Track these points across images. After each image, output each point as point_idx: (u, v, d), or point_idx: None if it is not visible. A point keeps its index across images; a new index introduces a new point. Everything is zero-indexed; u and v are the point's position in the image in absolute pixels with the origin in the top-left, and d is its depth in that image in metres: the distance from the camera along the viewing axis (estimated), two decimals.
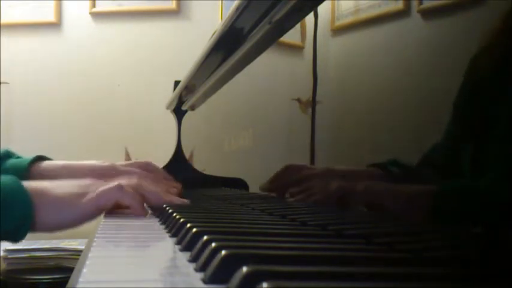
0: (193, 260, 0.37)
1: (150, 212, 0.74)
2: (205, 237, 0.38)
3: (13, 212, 0.63)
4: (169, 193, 0.80)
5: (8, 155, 0.97)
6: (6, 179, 0.65)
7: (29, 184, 0.66)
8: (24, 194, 0.64)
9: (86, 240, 0.62)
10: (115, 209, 0.71)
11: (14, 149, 0.98)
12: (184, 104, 1.68)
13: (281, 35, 0.88)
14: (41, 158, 0.96)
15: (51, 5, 2.53)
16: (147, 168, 0.92)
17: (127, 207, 0.71)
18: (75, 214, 0.67)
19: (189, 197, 0.79)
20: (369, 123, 0.65)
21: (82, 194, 0.68)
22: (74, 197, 0.68)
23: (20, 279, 2.06)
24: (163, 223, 0.61)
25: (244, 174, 1.11)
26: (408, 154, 0.56)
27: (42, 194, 0.66)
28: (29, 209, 0.64)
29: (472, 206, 0.48)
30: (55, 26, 2.55)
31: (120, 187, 0.70)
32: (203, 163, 1.46)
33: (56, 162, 0.90)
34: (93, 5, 2.53)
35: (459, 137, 0.48)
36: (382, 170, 0.60)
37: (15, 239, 0.66)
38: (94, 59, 2.54)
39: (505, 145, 0.43)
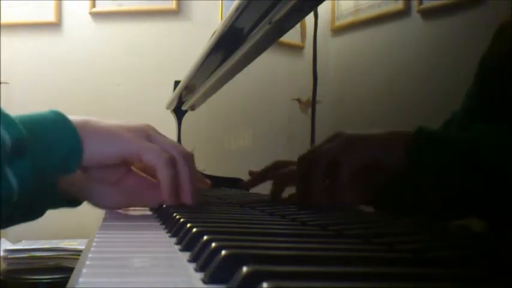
0: (193, 260, 0.37)
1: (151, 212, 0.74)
2: (205, 237, 0.38)
3: (61, 143, 0.62)
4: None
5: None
6: (46, 112, 0.65)
7: (72, 117, 0.65)
8: (68, 123, 0.64)
9: (86, 240, 0.62)
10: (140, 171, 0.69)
11: None
12: (184, 104, 1.68)
13: (281, 35, 0.88)
14: None
15: (51, 5, 2.54)
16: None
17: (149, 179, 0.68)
18: (119, 147, 0.65)
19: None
20: (369, 123, 0.65)
21: (128, 129, 0.67)
22: (118, 129, 0.66)
23: (20, 279, 2.06)
24: (163, 223, 0.61)
25: (244, 174, 1.11)
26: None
27: (85, 124, 0.65)
28: (76, 138, 0.63)
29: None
30: (55, 26, 2.55)
31: (167, 159, 0.65)
32: (203, 163, 1.46)
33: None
34: (93, 5, 2.53)
35: (477, 114, 0.47)
36: None
37: (68, 170, 0.64)
38: (94, 59, 2.54)
39: None
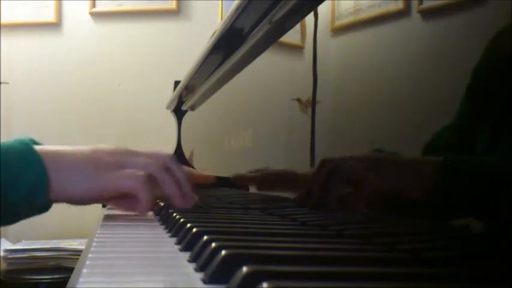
0: (193, 260, 0.37)
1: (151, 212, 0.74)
2: (205, 237, 0.38)
3: (28, 172, 0.59)
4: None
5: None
6: (11, 141, 0.61)
7: (39, 147, 0.62)
8: (34, 154, 0.60)
9: (86, 240, 0.62)
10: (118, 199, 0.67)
11: None
12: (184, 104, 1.68)
13: (281, 35, 0.88)
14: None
15: (51, 5, 2.53)
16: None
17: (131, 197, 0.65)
18: (86, 186, 0.62)
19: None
20: (369, 123, 0.65)
21: (99, 164, 0.63)
22: (88, 165, 0.63)
23: (20, 279, 2.06)
24: (163, 223, 0.61)
25: None
26: (408, 154, 0.56)
27: (54, 156, 0.62)
28: (42, 168, 0.59)
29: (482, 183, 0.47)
30: (55, 26, 2.55)
31: (145, 180, 0.62)
32: (203, 163, 1.46)
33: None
34: (93, 5, 2.53)
35: (475, 118, 0.47)
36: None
37: (36, 199, 0.61)
38: (94, 59, 2.54)
39: None
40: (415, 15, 0.57)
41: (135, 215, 0.69)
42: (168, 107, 1.83)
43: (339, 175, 0.60)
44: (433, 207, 0.52)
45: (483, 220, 0.47)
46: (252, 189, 1.07)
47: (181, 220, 0.51)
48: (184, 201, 0.66)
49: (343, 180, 0.60)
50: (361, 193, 0.58)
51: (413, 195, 0.54)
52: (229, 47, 1.04)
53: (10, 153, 0.60)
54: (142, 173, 0.63)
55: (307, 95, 0.79)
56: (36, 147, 0.62)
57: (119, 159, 0.65)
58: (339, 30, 0.74)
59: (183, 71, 1.45)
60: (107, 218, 0.67)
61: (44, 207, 0.67)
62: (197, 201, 0.69)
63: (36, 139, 0.68)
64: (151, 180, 0.64)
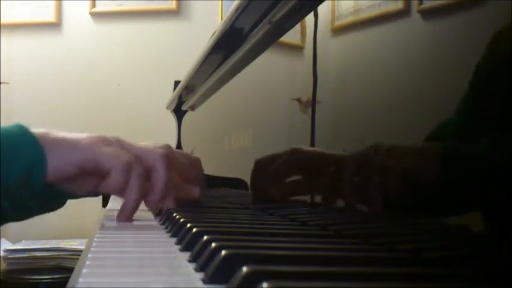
0: (193, 260, 0.37)
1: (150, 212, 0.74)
2: (205, 237, 0.38)
3: (22, 155, 0.58)
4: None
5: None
6: (7, 126, 0.61)
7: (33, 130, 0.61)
8: (29, 135, 0.60)
9: (85, 240, 0.62)
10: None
11: None
12: (184, 104, 1.68)
13: (281, 35, 0.88)
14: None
15: (51, 5, 2.53)
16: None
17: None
18: (76, 155, 0.61)
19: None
20: (369, 123, 0.64)
21: (87, 137, 0.63)
22: (76, 137, 0.62)
23: (20, 279, 2.06)
24: (163, 223, 0.61)
25: (244, 174, 1.11)
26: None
27: (46, 134, 0.61)
28: (38, 148, 0.59)
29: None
30: (55, 26, 2.55)
31: (125, 163, 0.61)
32: (203, 163, 1.46)
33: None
34: (93, 5, 2.53)
35: (476, 117, 0.47)
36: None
37: (35, 181, 0.60)
38: (94, 59, 2.54)
39: None
40: (415, 15, 0.57)
41: (134, 215, 0.69)
42: (168, 107, 1.83)
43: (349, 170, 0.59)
44: (439, 196, 0.52)
45: (484, 215, 0.47)
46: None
47: (181, 220, 0.51)
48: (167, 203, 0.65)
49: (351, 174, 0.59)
50: (372, 185, 0.57)
51: (424, 177, 0.54)
52: (229, 47, 1.04)
53: (4, 134, 0.59)
54: (128, 155, 0.62)
55: (307, 95, 0.79)
56: (30, 129, 0.61)
57: (109, 141, 0.65)
58: (339, 30, 0.74)
59: (183, 71, 1.45)
60: (107, 218, 0.67)
61: (61, 203, 0.66)
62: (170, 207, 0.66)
63: None
64: (129, 167, 0.62)
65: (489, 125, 0.46)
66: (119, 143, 0.65)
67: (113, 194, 0.67)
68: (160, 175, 0.65)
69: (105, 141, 0.64)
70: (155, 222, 0.63)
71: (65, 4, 2.56)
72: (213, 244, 0.35)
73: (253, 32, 0.92)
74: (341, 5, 0.72)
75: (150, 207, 0.69)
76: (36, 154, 0.60)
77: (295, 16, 0.80)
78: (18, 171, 0.59)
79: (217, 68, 1.17)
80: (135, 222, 0.64)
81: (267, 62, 0.97)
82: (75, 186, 0.65)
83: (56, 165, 0.61)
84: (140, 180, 0.62)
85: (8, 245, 2.20)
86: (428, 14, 0.55)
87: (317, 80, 0.77)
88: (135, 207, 0.64)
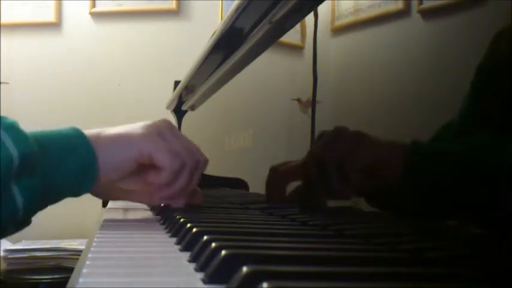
0: (193, 260, 0.37)
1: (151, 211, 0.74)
2: (205, 237, 0.38)
3: (75, 158, 0.59)
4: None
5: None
6: (63, 128, 0.61)
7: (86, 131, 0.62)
8: (83, 138, 0.60)
9: (86, 240, 0.62)
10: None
11: None
12: (184, 104, 1.68)
13: (281, 35, 0.88)
14: None
15: (51, 5, 2.53)
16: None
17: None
18: (131, 149, 0.62)
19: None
20: (369, 123, 0.65)
21: (141, 127, 0.63)
22: (130, 129, 0.63)
23: (20, 279, 2.06)
24: (163, 223, 0.61)
25: (244, 174, 1.11)
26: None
27: (98, 135, 0.62)
28: (90, 152, 0.59)
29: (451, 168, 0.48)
30: (55, 26, 2.55)
31: (179, 165, 0.62)
32: None
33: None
34: (93, 5, 2.53)
35: (477, 117, 0.48)
36: None
37: (85, 187, 0.61)
38: (94, 59, 2.54)
39: None
40: (415, 15, 0.57)
41: (134, 215, 0.69)
42: (168, 107, 1.83)
43: (325, 165, 0.59)
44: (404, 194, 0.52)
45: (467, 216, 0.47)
46: (252, 189, 1.07)
47: (181, 220, 0.51)
48: (178, 202, 0.67)
49: (332, 168, 0.59)
50: (342, 175, 0.57)
51: (386, 171, 0.54)
52: (229, 47, 1.04)
53: (58, 136, 0.60)
54: (179, 158, 0.63)
55: (307, 95, 0.79)
56: (86, 132, 0.62)
57: (162, 131, 0.65)
58: (339, 30, 0.74)
59: (183, 71, 1.45)
60: (107, 218, 0.67)
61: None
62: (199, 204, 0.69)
63: None
64: (180, 171, 0.64)
65: (490, 124, 0.46)
66: (172, 134, 0.66)
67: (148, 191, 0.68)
68: (195, 178, 0.66)
69: (160, 133, 0.64)
70: (155, 222, 0.63)
71: (65, 4, 2.56)
72: (213, 244, 0.35)
73: (253, 32, 0.92)
74: (341, 5, 0.72)
75: (158, 201, 0.69)
76: (88, 157, 0.60)
77: (295, 16, 0.80)
78: (70, 174, 0.59)
79: (217, 68, 1.17)
80: (135, 222, 0.64)
81: (267, 62, 0.97)
82: (131, 181, 0.66)
83: (113, 163, 0.62)
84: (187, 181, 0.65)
85: (8, 245, 2.20)
86: (428, 14, 0.55)
87: (317, 80, 0.77)
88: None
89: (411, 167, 0.52)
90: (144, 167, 0.64)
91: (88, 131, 0.63)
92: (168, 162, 0.62)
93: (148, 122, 0.66)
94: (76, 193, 0.61)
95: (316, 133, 0.75)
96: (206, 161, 0.68)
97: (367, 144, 0.56)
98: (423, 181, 0.52)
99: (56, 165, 0.58)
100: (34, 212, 0.58)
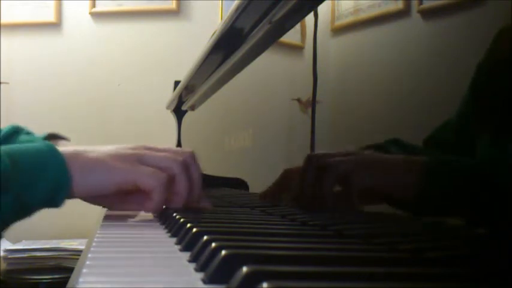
0: (193, 260, 0.37)
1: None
2: (205, 237, 0.38)
3: (48, 176, 0.59)
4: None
5: (17, 130, 0.92)
6: (37, 143, 0.62)
7: (61, 148, 0.62)
8: (58, 156, 0.61)
9: (86, 240, 0.62)
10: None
11: None
12: (184, 104, 1.68)
13: (281, 35, 0.88)
14: (54, 136, 0.89)
15: (51, 5, 2.53)
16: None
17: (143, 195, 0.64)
18: (113, 177, 0.62)
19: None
20: (369, 123, 0.65)
21: (119, 157, 0.64)
22: (109, 158, 0.63)
23: (20, 279, 2.06)
24: (163, 223, 0.61)
25: (244, 174, 1.11)
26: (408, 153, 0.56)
27: (76, 156, 0.62)
28: (64, 171, 0.60)
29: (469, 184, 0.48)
30: (55, 26, 2.55)
31: (165, 182, 0.63)
32: (203, 163, 1.46)
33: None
34: (93, 5, 2.53)
35: (476, 118, 0.48)
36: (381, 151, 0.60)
37: (55, 204, 0.62)
38: (94, 59, 2.54)
39: None
40: (415, 15, 0.57)
41: (134, 215, 0.69)
42: (168, 107, 1.83)
43: (328, 172, 0.60)
44: (421, 207, 0.52)
45: (473, 221, 0.47)
46: (252, 189, 1.07)
47: (181, 220, 0.51)
48: (190, 202, 0.67)
49: (333, 177, 0.60)
50: (351, 190, 0.58)
51: (401, 194, 0.55)
52: (229, 47, 1.03)
53: (32, 152, 0.60)
54: (164, 174, 0.64)
55: (307, 95, 0.79)
56: (59, 149, 0.62)
57: (140, 153, 0.66)
58: (339, 30, 0.74)
59: (183, 71, 1.45)
60: (107, 218, 0.67)
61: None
62: (207, 206, 0.69)
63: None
64: (170, 180, 0.65)
65: (489, 125, 0.46)
66: (148, 151, 0.67)
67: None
68: (194, 174, 0.67)
69: (139, 158, 0.65)
70: (155, 222, 0.63)
71: (65, 4, 2.56)
72: (213, 244, 0.35)
73: (253, 32, 0.91)
74: (341, 5, 0.72)
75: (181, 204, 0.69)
76: (62, 177, 0.60)
77: (295, 16, 0.80)
78: (41, 195, 0.59)
79: (217, 68, 1.17)
80: (135, 222, 0.64)
81: (267, 62, 0.97)
82: (111, 201, 0.68)
83: (87, 186, 0.62)
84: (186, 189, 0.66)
85: (8, 245, 2.20)
86: (428, 14, 0.55)
87: (317, 80, 0.77)
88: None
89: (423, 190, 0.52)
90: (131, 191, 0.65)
91: (64, 149, 0.63)
92: (154, 182, 0.63)
93: (122, 148, 0.67)
94: (49, 207, 0.62)
95: (316, 133, 0.75)
96: (192, 153, 0.68)
97: (374, 167, 0.57)
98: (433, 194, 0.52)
99: (28, 183, 0.59)
100: (6, 228, 0.58)
